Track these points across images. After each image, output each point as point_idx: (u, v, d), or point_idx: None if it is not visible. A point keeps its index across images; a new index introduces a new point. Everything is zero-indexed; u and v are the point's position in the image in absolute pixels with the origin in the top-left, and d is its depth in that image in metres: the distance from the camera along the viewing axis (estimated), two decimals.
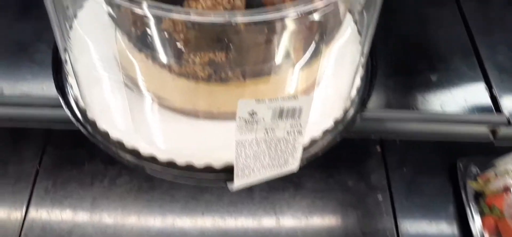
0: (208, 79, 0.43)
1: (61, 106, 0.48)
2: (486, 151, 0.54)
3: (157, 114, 0.48)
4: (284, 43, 0.42)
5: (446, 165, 0.53)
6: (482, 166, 0.51)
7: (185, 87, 0.44)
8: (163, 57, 0.42)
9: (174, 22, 0.41)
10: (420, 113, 0.56)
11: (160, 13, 0.34)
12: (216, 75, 0.42)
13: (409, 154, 0.54)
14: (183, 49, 0.41)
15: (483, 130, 0.56)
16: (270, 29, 0.40)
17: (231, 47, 0.40)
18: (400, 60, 0.61)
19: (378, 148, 0.56)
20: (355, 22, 0.52)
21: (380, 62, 0.55)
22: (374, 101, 0.57)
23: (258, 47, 0.41)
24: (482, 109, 0.59)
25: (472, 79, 0.61)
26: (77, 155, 0.59)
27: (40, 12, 0.42)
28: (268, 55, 0.42)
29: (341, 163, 0.54)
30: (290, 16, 0.34)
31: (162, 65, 0.43)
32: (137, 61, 0.44)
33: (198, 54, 0.41)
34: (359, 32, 0.51)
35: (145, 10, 0.34)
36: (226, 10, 0.41)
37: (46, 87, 0.52)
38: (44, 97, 0.52)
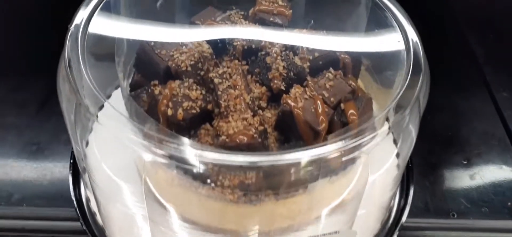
0: (237, 201, 0.39)
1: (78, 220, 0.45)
2: None
3: (179, 231, 0.44)
4: (323, 168, 0.38)
5: None
6: None
7: (212, 208, 0.40)
8: (191, 180, 0.39)
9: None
10: (460, 222, 0.52)
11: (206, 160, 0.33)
12: (245, 197, 0.39)
13: None
14: (211, 170, 0.38)
15: None
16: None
17: (265, 170, 0.37)
18: (434, 155, 0.58)
19: None
20: (395, 142, 0.48)
21: (415, 159, 0.51)
22: (412, 206, 0.53)
23: (295, 173, 0.38)
24: None
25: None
26: None
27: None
28: (306, 178, 0.39)
29: None
30: (332, 155, 0.31)
31: (188, 185, 0.40)
32: (162, 179, 0.41)
33: (227, 176, 0.38)
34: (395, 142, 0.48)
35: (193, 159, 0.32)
36: (258, 131, 0.38)
37: (64, 199, 0.49)
38: (60, 210, 0.49)
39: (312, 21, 0.52)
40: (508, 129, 0.62)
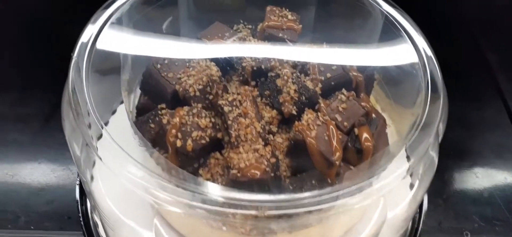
0: (249, 234, 0.38)
1: None
2: None
3: None
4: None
5: None
6: None
7: None
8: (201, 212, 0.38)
9: (214, 178, 0.38)
10: None
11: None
12: (257, 230, 0.38)
13: None
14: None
15: None
16: None
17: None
18: (446, 171, 0.56)
19: None
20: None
21: None
22: (425, 225, 0.52)
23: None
24: None
25: None
26: None
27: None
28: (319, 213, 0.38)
29: None
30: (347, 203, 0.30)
31: (200, 217, 0.39)
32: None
33: (238, 216, 0.37)
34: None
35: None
36: (270, 164, 0.37)
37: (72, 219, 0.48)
38: (69, 234, 0.48)
39: (324, 43, 0.50)
40: None
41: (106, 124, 0.41)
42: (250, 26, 0.51)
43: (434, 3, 0.69)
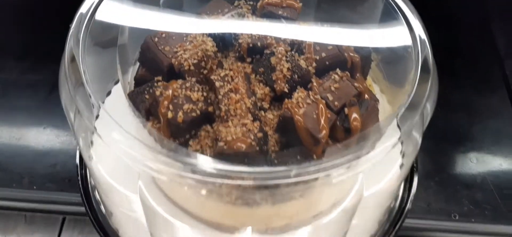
0: (234, 202, 0.40)
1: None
2: None
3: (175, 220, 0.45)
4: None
5: None
6: None
7: (210, 207, 0.41)
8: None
9: (203, 149, 0.39)
10: (459, 225, 0.51)
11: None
12: (242, 200, 0.40)
13: None
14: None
15: None
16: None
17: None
18: (444, 155, 0.57)
19: None
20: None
21: (423, 158, 0.51)
22: (414, 205, 0.52)
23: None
24: None
25: None
26: None
27: None
28: (301, 187, 0.39)
29: None
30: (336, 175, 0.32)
31: (188, 185, 0.40)
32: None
33: (224, 185, 0.38)
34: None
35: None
36: (257, 138, 0.38)
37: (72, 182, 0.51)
38: (68, 195, 0.51)
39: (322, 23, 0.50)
40: None
41: (106, 95, 0.43)
42: (251, 2, 0.52)
43: None
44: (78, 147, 0.49)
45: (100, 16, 0.45)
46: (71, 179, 0.50)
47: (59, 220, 0.55)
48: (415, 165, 0.51)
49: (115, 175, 0.41)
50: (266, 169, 0.35)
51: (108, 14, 0.46)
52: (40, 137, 0.56)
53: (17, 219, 0.55)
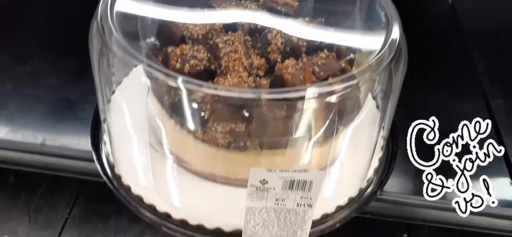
0: (227, 146, 0.46)
1: (94, 160, 0.52)
2: None
3: (176, 174, 0.50)
4: (301, 120, 0.44)
5: None
6: None
7: (205, 152, 0.47)
8: (189, 124, 0.46)
9: (203, 94, 0.45)
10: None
11: (192, 87, 0.41)
12: (235, 143, 0.45)
13: None
14: (208, 118, 0.45)
15: (507, 223, 0.55)
16: (289, 106, 0.43)
17: (252, 120, 0.43)
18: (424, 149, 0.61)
19: (405, 235, 0.54)
20: (377, 107, 0.54)
21: (403, 149, 0.56)
22: (398, 185, 0.57)
23: (276, 121, 0.44)
24: (506, 204, 0.57)
25: (497, 173, 0.61)
26: (105, 209, 0.63)
27: (91, 76, 0.49)
28: (286, 130, 0.45)
29: None
30: (308, 97, 0.37)
31: (187, 131, 0.46)
32: (165, 126, 0.48)
33: (221, 123, 0.44)
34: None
35: (180, 84, 0.40)
36: (250, 88, 0.45)
37: (83, 142, 0.57)
38: (80, 150, 0.56)
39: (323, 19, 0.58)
40: (499, 134, 0.65)
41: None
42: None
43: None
44: (95, 110, 0.56)
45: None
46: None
47: (60, 221, 0.61)
48: (395, 147, 0.56)
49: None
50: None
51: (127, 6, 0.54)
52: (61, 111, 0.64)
53: (19, 219, 0.61)
